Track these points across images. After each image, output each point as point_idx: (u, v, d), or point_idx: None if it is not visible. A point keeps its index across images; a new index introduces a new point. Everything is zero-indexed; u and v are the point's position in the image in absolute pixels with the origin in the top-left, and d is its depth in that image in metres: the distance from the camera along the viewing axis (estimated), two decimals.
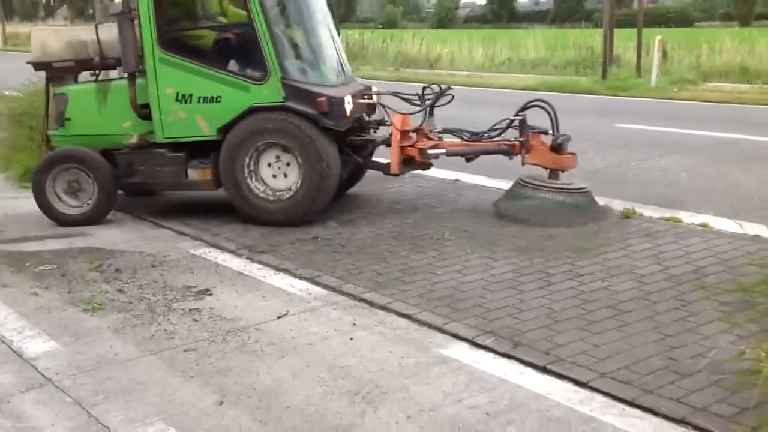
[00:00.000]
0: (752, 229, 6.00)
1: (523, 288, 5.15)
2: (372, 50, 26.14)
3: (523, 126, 6.81)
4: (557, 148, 6.73)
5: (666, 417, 3.51)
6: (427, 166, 7.29)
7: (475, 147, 7.02)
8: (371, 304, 5.03)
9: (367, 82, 8.14)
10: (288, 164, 6.72)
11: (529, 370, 4.07)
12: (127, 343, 4.56)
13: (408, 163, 7.05)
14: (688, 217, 6.60)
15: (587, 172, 8.67)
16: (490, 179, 8.29)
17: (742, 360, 3.44)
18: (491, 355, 4.27)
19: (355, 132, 7.21)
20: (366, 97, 7.21)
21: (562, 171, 6.79)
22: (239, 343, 4.50)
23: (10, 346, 4.55)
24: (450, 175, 8.56)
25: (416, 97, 7.17)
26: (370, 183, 8.30)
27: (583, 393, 3.80)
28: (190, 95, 6.72)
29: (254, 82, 6.64)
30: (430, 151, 6.95)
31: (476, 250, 5.94)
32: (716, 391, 3.67)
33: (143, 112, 6.92)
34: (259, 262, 5.93)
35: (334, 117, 6.57)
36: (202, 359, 4.31)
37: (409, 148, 6.97)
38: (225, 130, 6.70)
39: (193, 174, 6.90)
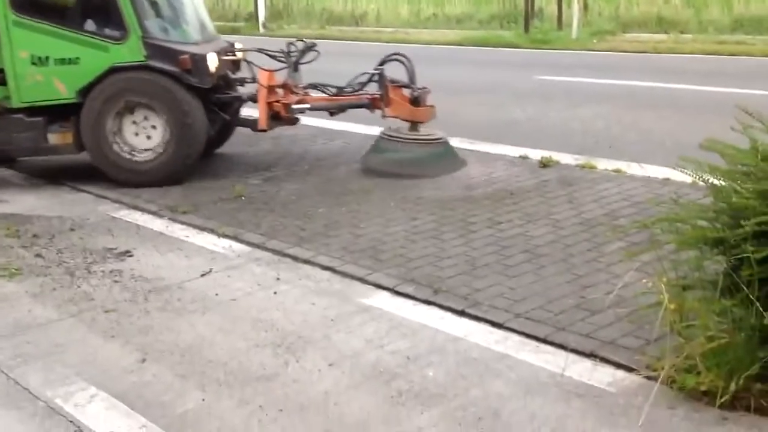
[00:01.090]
0: (663, 173, 6.21)
1: (444, 237, 5.25)
2: (297, 8, 25.78)
3: (381, 80, 6.88)
4: (414, 101, 6.85)
5: (576, 351, 3.67)
6: (293, 121, 7.31)
7: (337, 101, 7.08)
8: (295, 258, 5.07)
9: (232, 39, 8.26)
10: (153, 124, 6.69)
11: (449, 315, 4.18)
12: (45, 306, 4.50)
13: (275, 118, 7.08)
14: (603, 164, 6.80)
15: (506, 124, 8.84)
16: None
17: (647, 294, 3.61)
18: (412, 302, 4.37)
19: (222, 89, 7.19)
20: (230, 54, 7.19)
21: (420, 123, 6.91)
22: (161, 302, 4.49)
23: None
24: (373, 130, 8.58)
25: (281, 54, 7.22)
26: (293, 141, 8.29)
27: (499, 333, 3.94)
28: (47, 57, 6.58)
29: (113, 42, 6.55)
30: (294, 106, 6.98)
31: (399, 203, 6.02)
32: (623, 325, 3.85)
33: None
34: (182, 222, 5.89)
35: (198, 74, 6.58)
36: (123, 319, 4.29)
37: (275, 103, 6.98)
38: (85, 92, 6.61)
39: (54, 138, 6.78)
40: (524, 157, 7.16)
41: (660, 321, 3.34)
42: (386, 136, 6.94)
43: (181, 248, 5.36)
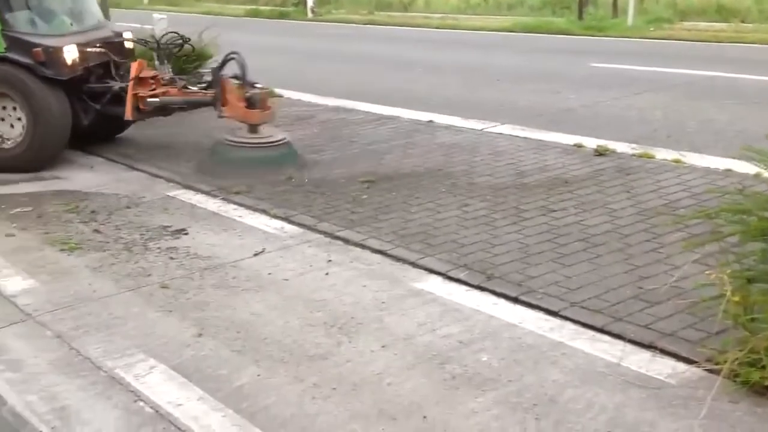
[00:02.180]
0: (724, 163, 6.09)
1: (497, 224, 5.22)
2: None
3: (215, 79, 6.83)
4: (248, 102, 6.66)
5: (634, 342, 3.62)
6: (166, 112, 7.26)
7: (186, 97, 7.03)
8: (346, 241, 5.08)
9: (128, 28, 8.27)
10: (17, 113, 6.89)
11: (502, 301, 4.15)
12: (104, 280, 4.59)
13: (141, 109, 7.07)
14: (661, 153, 6.68)
15: (561, 111, 8.73)
16: (464, 120, 8.32)
17: (708, 286, 3.53)
18: (464, 287, 4.35)
19: (99, 79, 7.28)
20: (98, 45, 7.23)
21: (255, 125, 6.71)
22: (216, 280, 4.54)
23: None
24: (424, 116, 8.58)
25: (154, 43, 7.26)
26: (343, 124, 8.30)
27: (554, 321, 3.90)
28: None
29: None
30: (150, 100, 6.96)
31: (449, 189, 5.99)
32: (684, 317, 3.78)
33: None
34: (234, 203, 5.94)
35: (53, 66, 6.78)
36: (179, 295, 4.35)
37: (136, 96, 6.98)
38: None
39: None
40: (579, 146, 7.07)
41: (723, 314, 3.27)
42: (227, 141, 6.71)
43: (234, 228, 5.42)
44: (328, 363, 3.59)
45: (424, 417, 3.15)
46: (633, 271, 4.38)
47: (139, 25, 9.84)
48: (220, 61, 6.95)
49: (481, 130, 7.92)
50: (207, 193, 6.19)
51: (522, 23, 17.72)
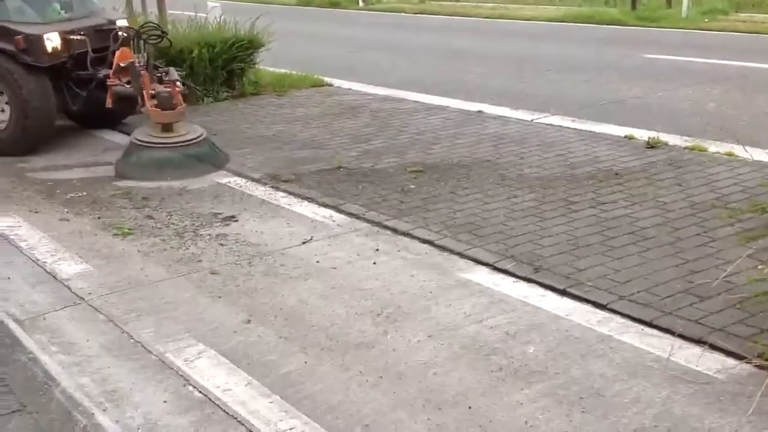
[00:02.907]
0: None
1: (545, 216, 5.18)
2: None
3: (134, 72, 6.82)
4: (157, 100, 6.59)
5: (683, 337, 3.57)
6: (125, 105, 7.31)
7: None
8: (394, 230, 5.10)
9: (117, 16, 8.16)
10: (7, 103, 7.05)
11: (549, 293, 4.14)
12: (156, 265, 4.68)
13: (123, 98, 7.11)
14: (713, 147, 6.56)
15: (612, 102, 8.62)
16: (513, 110, 8.27)
17: (761, 282, 3.48)
18: (512, 279, 4.34)
19: (85, 67, 7.28)
20: (82, 33, 7.24)
21: (163, 124, 6.63)
22: (265, 267, 4.60)
23: (44, 268, 4.69)
24: (473, 106, 8.54)
25: (134, 32, 7.31)
26: (392, 114, 8.31)
27: (602, 314, 3.87)
28: None
29: None
30: (115, 89, 7.07)
31: (498, 180, 5.97)
32: (734, 312, 3.72)
33: None
34: (284, 191, 6.00)
35: (33, 54, 6.94)
36: (229, 281, 4.42)
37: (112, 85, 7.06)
38: None
39: None
40: (630, 137, 6.97)
41: None
42: (137, 141, 6.63)
43: (283, 216, 5.47)
44: (374, 352, 3.62)
45: (470, 407, 3.16)
46: (683, 265, 4.32)
47: (193, 13, 9.95)
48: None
49: (531, 120, 7.86)
50: (257, 181, 6.26)
51: (574, 13, 17.47)
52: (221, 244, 4.97)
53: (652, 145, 6.66)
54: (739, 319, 3.66)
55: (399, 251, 4.78)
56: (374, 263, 4.61)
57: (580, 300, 4.03)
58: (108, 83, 7.10)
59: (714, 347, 3.46)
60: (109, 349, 3.74)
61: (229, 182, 6.30)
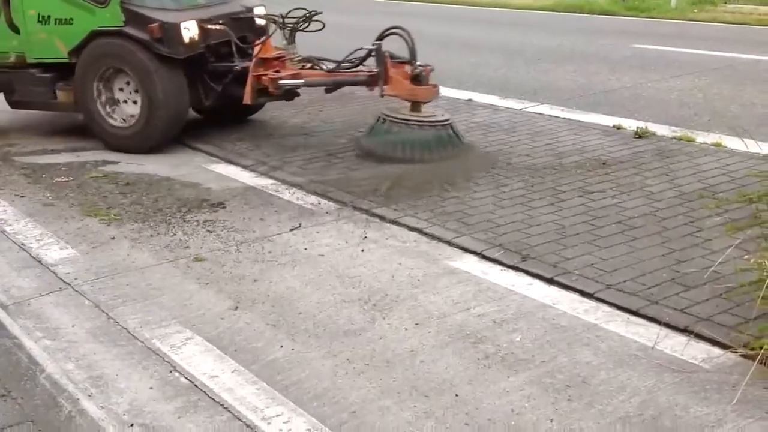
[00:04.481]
0: (765, 148, 5.97)
1: (533, 204, 5.19)
2: None
3: (378, 55, 6.29)
4: (415, 79, 6.25)
5: (669, 326, 3.59)
6: (290, 96, 6.88)
7: (333, 77, 6.59)
8: (382, 218, 5.09)
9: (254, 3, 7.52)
10: (136, 91, 6.64)
11: (537, 282, 4.15)
12: (143, 251, 4.66)
13: (266, 93, 6.60)
14: (701, 137, 6.58)
15: (601, 92, 8.63)
16: (503, 99, 8.27)
17: (747, 271, 3.49)
18: (499, 267, 4.35)
19: (224, 58, 6.87)
20: (220, 22, 6.73)
21: (422, 103, 6.33)
22: (253, 254, 4.59)
23: (29, 253, 4.66)
24: (463, 94, 8.53)
25: (280, 21, 6.75)
26: (384, 102, 8.28)
27: (589, 303, 3.89)
28: (49, 16, 6.69)
29: (98, 5, 6.51)
30: (282, 82, 6.46)
31: (490, 170, 5.96)
32: (720, 302, 3.74)
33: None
34: (272, 178, 5.98)
35: (169, 44, 6.38)
36: (216, 268, 4.41)
37: (263, 77, 6.50)
38: (76, 52, 6.67)
39: (61, 95, 6.93)
40: (618, 127, 6.99)
41: (760, 299, 3.23)
42: (386, 117, 6.32)
43: (271, 203, 5.46)
44: (361, 339, 3.62)
45: (456, 395, 3.17)
46: (670, 254, 4.34)
47: None
48: (379, 36, 6.38)
49: (520, 109, 7.86)
50: (245, 167, 6.24)
51: (565, 3, 17.46)
52: (209, 231, 4.95)
53: (640, 134, 6.68)
54: (725, 308, 3.68)
55: (387, 239, 4.78)
56: (362, 251, 4.60)
57: (567, 289, 4.04)
58: (269, 77, 6.43)
59: (700, 336, 3.48)
60: (95, 334, 3.72)
61: (217, 168, 6.27)
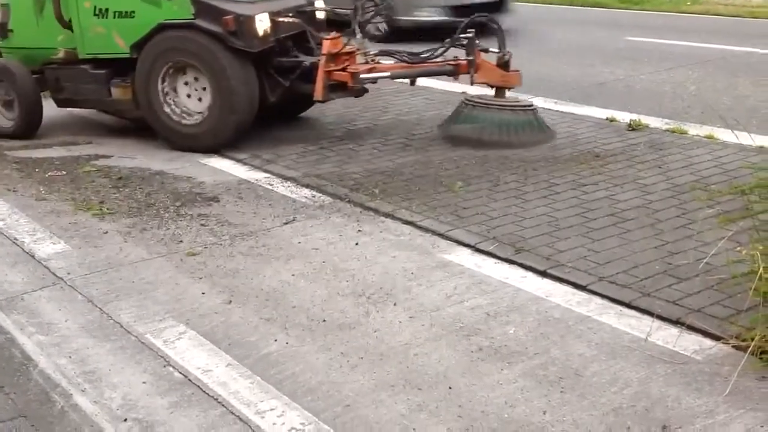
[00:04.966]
0: (758, 140, 5.95)
1: (527, 197, 5.20)
2: None
3: (471, 44, 6.38)
4: (504, 66, 6.42)
5: (662, 318, 3.61)
6: (360, 92, 6.67)
7: (419, 69, 6.56)
8: (376, 211, 5.10)
9: None
10: (204, 87, 6.38)
11: (530, 275, 4.15)
12: (136, 245, 4.66)
13: (336, 88, 6.46)
14: (694, 129, 6.60)
15: (594, 85, 8.63)
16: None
17: (739, 263, 3.51)
18: (493, 260, 4.35)
19: (289, 52, 6.70)
20: (291, 15, 6.61)
21: (509, 89, 6.51)
22: (246, 248, 4.59)
23: (22, 248, 4.65)
24: (457, 87, 8.50)
25: (350, 14, 6.64)
26: (376, 95, 8.27)
27: (582, 295, 3.90)
28: (107, 9, 6.40)
29: None
30: (364, 76, 6.35)
31: (480, 161, 5.97)
32: (712, 293, 3.76)
33: (70, 26, 6.63)
34: (266, 171, 5.97)
35: (244, 37, 6.12)
36: (210, 262, 4.41)
37: (340, 72, 6.36)
38: (138, 47, 6.39)
39: (116, 93, 6.65)
40: (612, 120, 7.00)
41: (752, 291, 3.25)
42: (473, 103, 6.45)
43: (265, 196, 5.45)
44: (355, 332, 3.63)
45: (450, 388, 3.18)
46: (663, 246, 4.35)
47: None
48: (465, 25, 6.43)
49: None
50: (239, 161, 6.23)
51: None
52: (202, 225, 4.95)
53: (633, 127, 6.69)
54: (716, 300, 3.70)
55: (381, 232, 4.78)
56: (356, 244, 4.61)
57: (560, 281, 4.05)
58: (350, 70, 6.30)
59: (692, 328, 3.50)
60: (88, 329, 3.72)
61: (210, 162, 6.26)
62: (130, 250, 4.60)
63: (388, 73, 6.52)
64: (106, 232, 4.86)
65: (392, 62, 6.66)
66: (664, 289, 3.85)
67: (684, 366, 3.25)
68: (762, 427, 2.86)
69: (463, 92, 8.24)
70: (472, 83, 6.54)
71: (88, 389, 3.24)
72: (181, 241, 4.69)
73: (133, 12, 6.36)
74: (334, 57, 6.36)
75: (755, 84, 8.41)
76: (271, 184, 5.70)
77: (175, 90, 6.50)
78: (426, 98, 8.12)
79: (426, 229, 4.78)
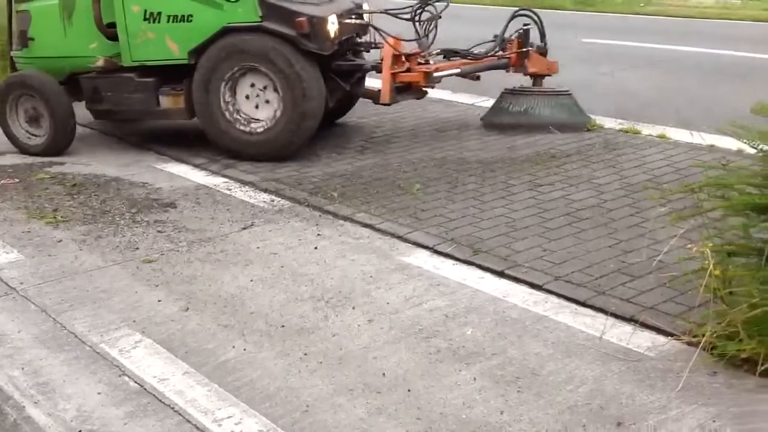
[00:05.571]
0: (709, 139, 6.09)
1: (485, 199, 5.24)
2: None
3: (525, 37, 6.95)
4: (544, 56, 7.01)
5: (616, 315, 3.66)
6: (423, 94, 6.76)
7: (481, 63, 6.91)
8: (335, 215, 5.10)
9: None
10: (268, 92, 6.12)
11: (488, 275, 4.19)
12: (91, 253, 4.60)
13: (401, 90, 6.47)
14: (647, 129, 6.71)
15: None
16: (455, 93, 8.33)
17: (690, 260, 3.57)
18: (451, 261, 4.38)
19: (343, 56, 6.57)
20: (354, 15, 6.51)
21: (550, 75, 7.04)
22: (204, 254, 4.56)
23: None
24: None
25: (409, 16, 6.68)
26: None
27: (539, 295, 3.94)
28: (159, 14, 6.07)
29: (228, 0, 5.96)
30: (437, 74, 6.42)
31: (438, 163, 6.01)
32: (665, 291, 3.83)
33: (110, 32, 6.31)
34: (224, 176, 5.95)
35: (317, 39, 5.92)
36: (167, 269, 4.37)
37: (408, 73, 6.37)
38: (197, 53, 6.09)
39: (165, 101, 6.32)
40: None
41: (703, 287, 3.31)
42: (517, 91, 6.93)
43: (222, 201, 5.42)
44: (314, 337, 3.62)
45: (409, 390, 3.19)
46: (616, 245, 4.42)
47: None
48: (511, 18, 7.09)
49: (472, 104, 7.93)
50: (196, 166, 6.19)
51: None
52: (159, 231, 4.90)
53: (588, 128, 6.78)
54: (669, 297, 3.77)
55: (340, 236, 4.78)
56: (315, 248, 4.60)
57: (517, 281, 4.09)
58: (422, 70, 6.34)
59: (645, 325, 3.56)
60: (42, 340, 3.66)
61: (167, 167, 6.21)
62: (85, 258, 4.54)
63: (458, 70, 6.76)
64: (61, 241, 4.79)
65: (453, 61, 6.93)
66: (618, 288, 3.91)
67: (638, 363, 3.30)
68: (714, 421, 2.91)
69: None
70: (524, 74, 7.01)
71: (42, 401, 3.19)
72: (137, 249, 4.65)
73: (191, 16, 6.05)
74: (397, 59, 6.33)
75: (706, 84, 8.59)
76: (229, 189, 5.67)
77: (234, 96, 6.21)
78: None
79: (385, 232, 4.79)
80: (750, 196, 3.32)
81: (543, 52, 7.00)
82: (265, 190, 5.59)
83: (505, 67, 6.94)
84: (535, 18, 6.99)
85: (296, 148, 6.19)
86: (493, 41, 7.01)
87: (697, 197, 3.68)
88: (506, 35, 7.00)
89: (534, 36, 7.12)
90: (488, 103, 7.87)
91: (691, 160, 5.70)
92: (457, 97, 8.19)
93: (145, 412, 3.10)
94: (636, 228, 4.63)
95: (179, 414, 3.08)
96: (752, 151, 3.54)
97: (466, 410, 3.05)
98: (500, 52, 6.96)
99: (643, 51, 10.80)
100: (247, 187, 5.70)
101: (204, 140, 6.72)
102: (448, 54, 6.93)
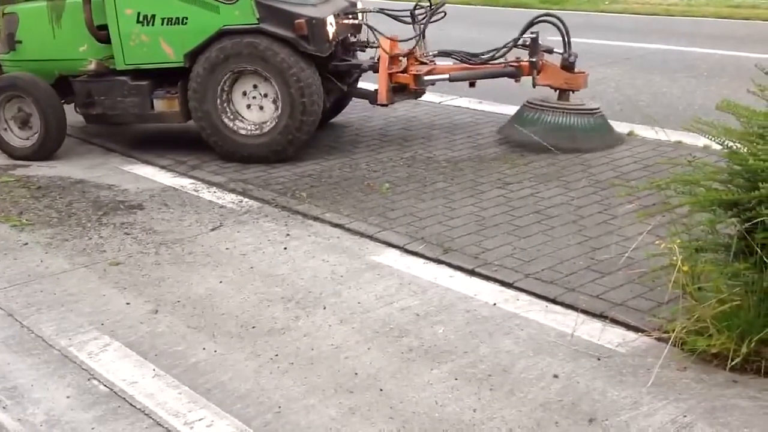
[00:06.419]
0: (675, 136, 6.18)
1: (454, 197, 5.25)
2: None
3: (535, 45, 6.26)
4: (569, 67, 6.28)
5: (586, 312, 3.69)
6: (420, 93, 6.62)
7: (480, 70, 6.46)
8: (304, 215, 5.08)
9: None
10: (265, 94, 6.05)
11: (458, 274, 4.20)
12: (57, 257, 4.53)
13: (398, 90, 6.39)
14: (614, 126, 6.74)
15: (516, 85, 8.71)
16: (444, 95, 8.29)
17: (659, 256, 3.61)
18: (422, 260, 4.38)
19: (339, 56, 6.49)
20: (351, 16, 6.47)
21: (574, 91, 6.35)
22: (173, 255, 4.51)
23: None
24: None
25: (407, 16, 6.59)
26: None
27: (509, 293, 3.96)
28: (153, 16, 5.96)
29: (225, 2, 5.85)
30: (427, 78, 6.29)
31: (407, 162, 6.01)
32: (634, 287, 3.86)
33: (101, 34, 6.17)
34: (191, 177, 5.90)
35: (315, 41, 5.86)
36: (135, 271, 4.32)
37: (401, 74, 6.28)
38: (193, 55, 5.99)
39: (159, 105, 6.18)
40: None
41: (672, 283, 3.34)
42: (537, 105, 6.30)
43: (190, 203, 5.37)
44: (285, 338, 3.60)
45: (381, 390, 3.19)
46: (586, 242, 4.45)
47: None
48: (528, 24, 6.43)
49: (439, 102, 7.93)
50: (163, 168, 6.12)
51: None
52: (126, 233, 4.85)
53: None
54: (638, 293, 3.80)
55: (310, 236, 4.76)
56: (285, 248, 4.58)
57: (487, 279, 4.11)
58: (412, 73, 6.20)
59: (615, 321, 3.59)
60: (8, 344, 3.60)
61: (134, 169, 6.14)
62: (51, 261, 4.47)
63: (447, 75, 6.36)
64: (26, 244, 4.72)
65: (451, 63, 6.57)
66: (588, 284, 3.94)
67: (609, 359, 3.33)
68: (685, 416, 2.95)
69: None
70: (534, 85, 6.36)
71: (10, 406, 3.14)
72: (104, 251, 4.59)
73: (186, 18, 5.95)
74: (393, 59, 6.22)
75: (672, 81, 8.67)
76: (197, 190, 5.62)
77: (230, 99, 6.11)
78: (353, 101, 8.09)
79: (355, 232, 4.78)
80: (716, 192, 3.35)
81: (566, 64, 6.25)
82: (233, 191, 5.55)
83: (513, 75, 6.37)
84: (560, 25, 6.30)
85: (295, 149, 6.12)
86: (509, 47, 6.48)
87: (665, 194, 3.72)
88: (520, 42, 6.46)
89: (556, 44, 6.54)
90: (456, 102, 7.92)
91: (659, 157, 5.76)
92: (424, 96, 8.15)
93: (115, 415, 3.06)
94: (605, 225, 4.67)
95: (150, 417, 3.04)
96: (718, 147, 3.58)
97: (439, 409, 3.06)
98: (505, 60, 6.46)
99: (608, 49, 10.88)
100: (214, 188, 5.66)
101: (170, 141, 6.68)
102: (447, 56, 6.63)
